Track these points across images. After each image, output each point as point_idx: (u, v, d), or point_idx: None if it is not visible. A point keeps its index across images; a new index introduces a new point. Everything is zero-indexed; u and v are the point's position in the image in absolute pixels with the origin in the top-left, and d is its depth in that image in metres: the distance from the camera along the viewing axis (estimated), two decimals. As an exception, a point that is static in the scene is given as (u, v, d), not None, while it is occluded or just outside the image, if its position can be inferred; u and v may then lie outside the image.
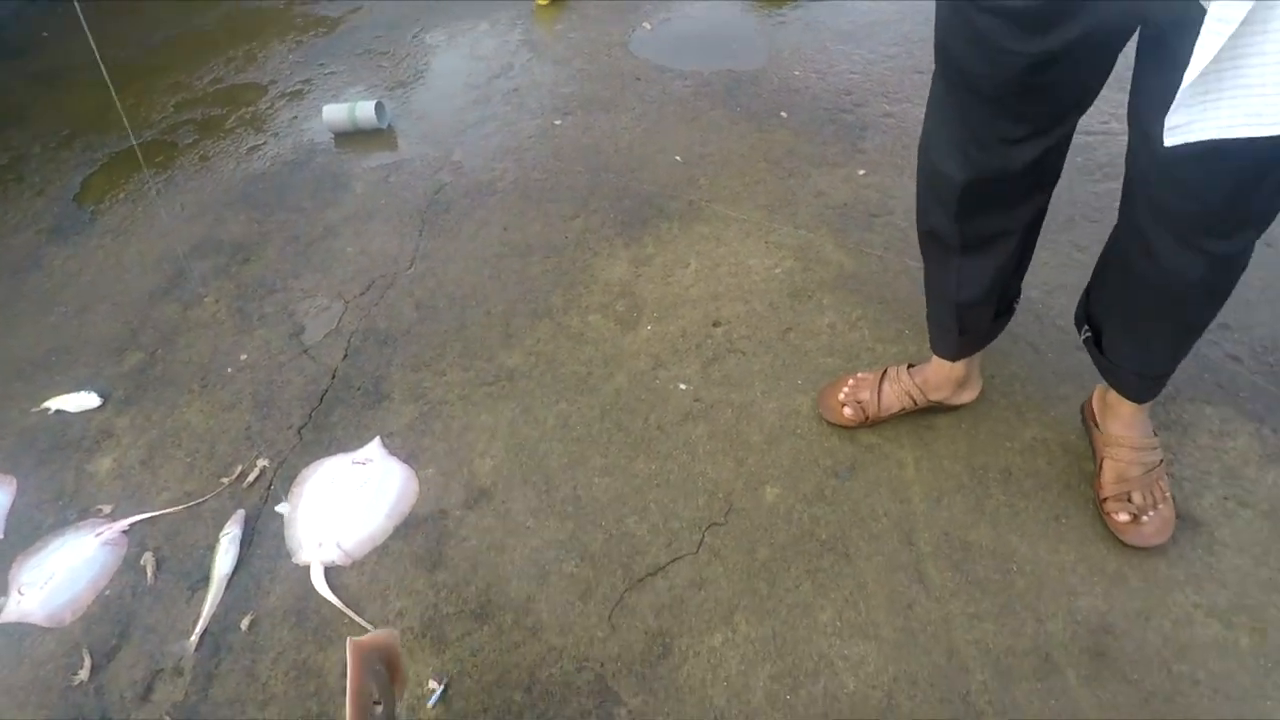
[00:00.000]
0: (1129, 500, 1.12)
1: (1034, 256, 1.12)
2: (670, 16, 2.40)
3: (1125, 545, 1.12)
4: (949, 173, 0.98)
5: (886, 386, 1.26)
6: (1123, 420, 1.14)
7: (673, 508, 1.22)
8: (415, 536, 1.23)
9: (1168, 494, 1.13)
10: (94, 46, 1.35)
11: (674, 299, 1.55)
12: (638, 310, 1.53)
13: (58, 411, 1.47)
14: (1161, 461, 1.15)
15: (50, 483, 1.36)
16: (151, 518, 1.28)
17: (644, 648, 1.07)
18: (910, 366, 1.27)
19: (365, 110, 2.03)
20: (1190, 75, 0.63)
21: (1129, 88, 0.85)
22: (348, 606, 1.14)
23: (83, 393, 1.48)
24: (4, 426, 1.46)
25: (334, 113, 2.05)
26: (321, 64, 2.41)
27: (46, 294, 1.73)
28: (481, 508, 1.25)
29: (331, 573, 1.19)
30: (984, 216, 1.02)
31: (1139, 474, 1.13)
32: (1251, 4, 0.59)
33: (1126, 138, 0.90)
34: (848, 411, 1.27)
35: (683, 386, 1.39)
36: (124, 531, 1.27)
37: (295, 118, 2.18)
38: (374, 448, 1.34)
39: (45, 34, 2.73)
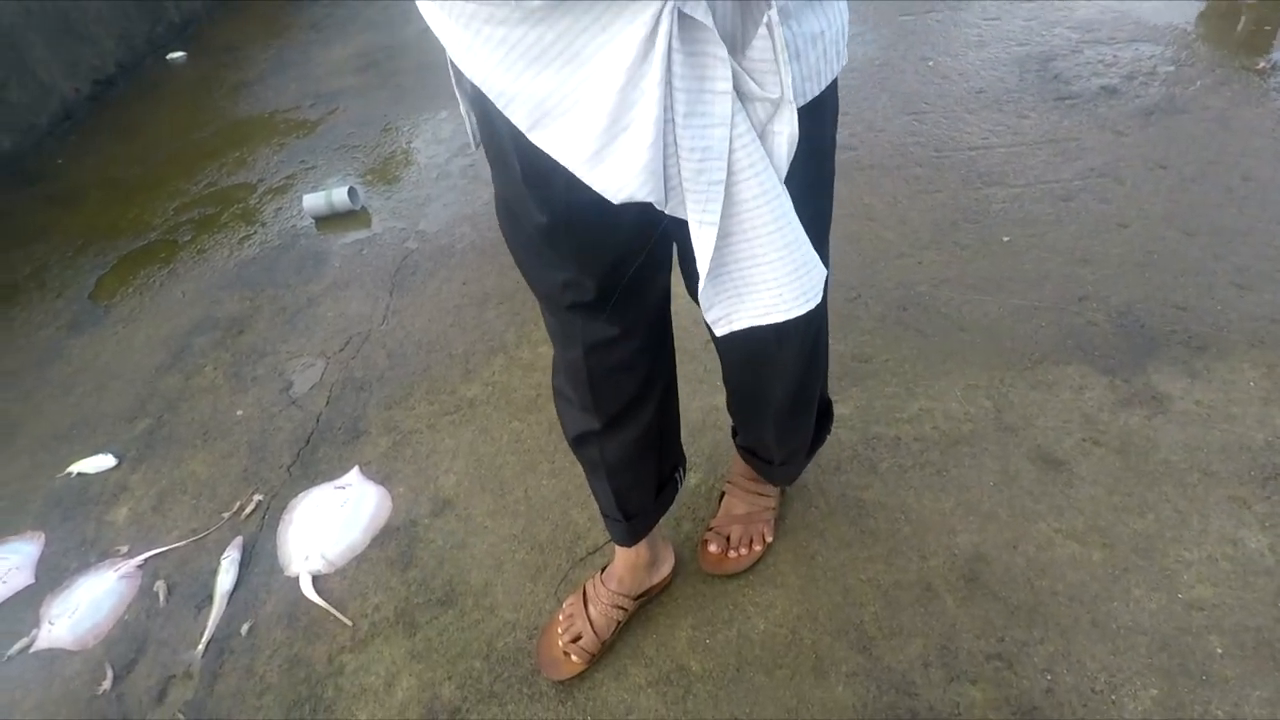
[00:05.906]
0: (726, 537, 1.24)
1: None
2: (607, 89, 2.71)
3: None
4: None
5: (593, 610, 1.17)
6: (739, 466, 1.27)
7: (609, 498, 1.40)
8: (389, 544, 1.41)
9: (768, 538, 1.25)
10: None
11: (611, 326, 1.76)
12: (579, 338, 1.74)
13: (79, 474, 1.68)
14: (772, 509, 1.25)
15: (74, 533, 1.56)
16: (162, 552, 1.47)
17: (585, 613, 1.24)
18: (602, 571, 1.21)
19: (340, 195, 2.30)
20: (703, 272, 0.68)
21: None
22: (333, 606, 1.32)
23: (100, 456, 1.69)
24: (34, 491, 1.67)
25: (313, 200, 2.33)
26: (303, 161, 2.71)
27: (67, 378, 1.96)
28: (446, 515, 1.44)
29: (318, 580, 1.36)
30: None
31: (744, 512, 1.25)
32: (719, 204, 0.63)
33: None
34: (575, 659, 1.15)
35: (618, 397, 1.58)
36: (139, 566, 1.45)
37: (280, 209, 2.46)
38: (353, 474, 1.53)
39: (60, 161, 3.07)
